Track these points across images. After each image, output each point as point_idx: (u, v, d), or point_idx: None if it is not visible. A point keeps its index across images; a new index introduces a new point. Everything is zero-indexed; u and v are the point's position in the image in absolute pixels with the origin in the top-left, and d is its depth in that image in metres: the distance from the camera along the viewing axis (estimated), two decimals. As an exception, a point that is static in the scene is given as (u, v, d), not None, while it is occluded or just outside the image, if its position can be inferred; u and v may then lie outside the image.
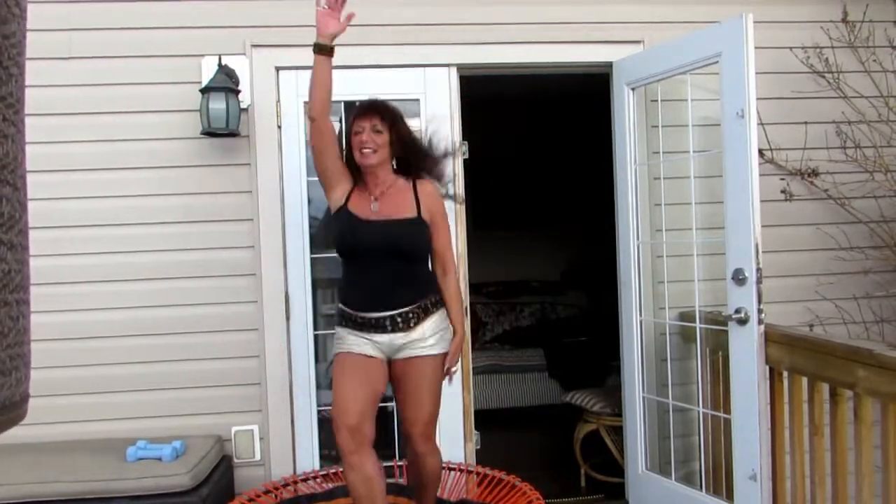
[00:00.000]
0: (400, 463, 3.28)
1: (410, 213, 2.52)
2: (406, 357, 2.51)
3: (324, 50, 2.41)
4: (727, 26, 2.81)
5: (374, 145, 2.47)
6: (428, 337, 2.51)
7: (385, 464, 3.22)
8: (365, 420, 2.43)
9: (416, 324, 2.50)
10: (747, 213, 2.74)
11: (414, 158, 2.59)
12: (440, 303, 2.59)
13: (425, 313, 2.52)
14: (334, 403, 2.47)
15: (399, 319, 2.47)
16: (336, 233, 2.56)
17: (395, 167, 2.58)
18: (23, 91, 0.40)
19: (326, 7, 2.40)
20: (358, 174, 2.57)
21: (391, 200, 2.52)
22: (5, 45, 0.39)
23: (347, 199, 2.54)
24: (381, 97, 3.18)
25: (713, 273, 3.05)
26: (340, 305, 2.57)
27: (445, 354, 2.58)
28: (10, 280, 0.39)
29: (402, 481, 3.15)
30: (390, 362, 2.54)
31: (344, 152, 2.60)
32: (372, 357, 2.49)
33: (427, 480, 2.66)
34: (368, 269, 2.49)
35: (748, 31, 2.73)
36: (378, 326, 2.48)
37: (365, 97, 3.18)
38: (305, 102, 3.27)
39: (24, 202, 0.41)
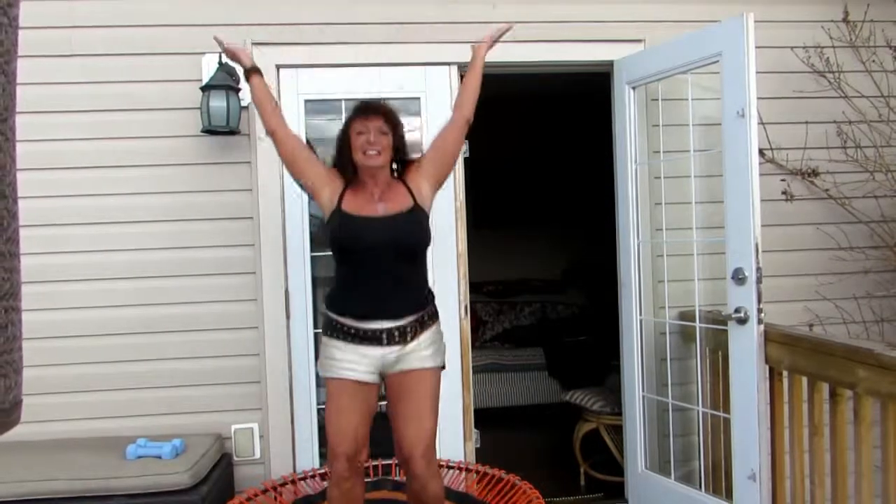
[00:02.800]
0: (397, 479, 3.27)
1: (408, 203, 2.45)
2: (403, 370, 2.40)
3: (256, 71, 2.57)
4: (728, 26, 2.81)
5: (380, 147, 2.40)
6: (424, 348, 2.42)
7: (385, 462, 3.24)
8: (362, 446, 2.41)
9: (413, 338, 2.40)
10: (747, 213, 2.74)
11: (403, 159, 2.53)
12: (435, 315, 2.51)
13: (422, 327, 2.43)
14: (330, 431, 2.39)
15: (396, 333, 2.38)
16: (336, 234, 2.43)
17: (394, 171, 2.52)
18: (12, 99, 0.40)
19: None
20: (348, 175, 2.48)
21: (392, 199, 2.46)
22: (-8, 55, 0.39)
23: (340, 199, 2.44)
24: (382, 96, 3.20)
25: (714, 272, 3.05)
26: (332, 315, 2.44)
27: (442, 368, 2.49)
28: (0, 287, 0.39)
29: (400, 479, 3.15)
30: (384, 379, 2.44)
31: (337, 153, 2.51)
32: (366, 383, 2.39)
33: None
34: (370, 271, 2.38)
35: (749, 30, 2.72)
36: (373, 339, 2.38)
37: (365, 95, 3.19)
38: (306, 100, 3.30)
39: (13, 210, 0.41)
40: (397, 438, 2.43)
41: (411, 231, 2.43)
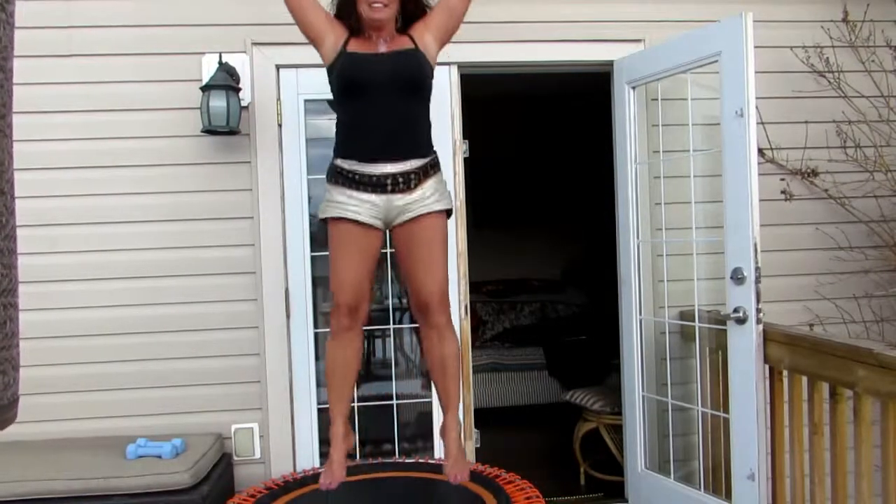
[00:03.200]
0: (399, 461, 3.28)
1: (410, 45, 2.41)
2: (410, 218, 2.37)
3: None
4: (727, 25, 2.81)
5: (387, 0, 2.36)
6: (429, 196, 2.39)
7: (385, 461, 3.24)
8: (363, 298, 2.41)
9: (416, 185, 2.37)
10: (746, 213, 2.74)
11: (409, 10, 2.47)
12: (438, 165, 2.47)
13: (425, 175, 2.39)
14: (333, 279, 2.39)
15: (400, 179, 2.34)
16: (339, 72, 2.37)
17: (398, 22, 2.46)
18: (10, 96, 0.40)
19: None
20: (353, 25, 2.42)
21: (395, 45, 2.41)
22: (-8, 51, 0.39)
23: (345, 45, 2.40)
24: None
25: (715, 272, 3.04)
26: (338, 161, 2.40)
27: (448, 212, 2.46)
28: (-1, 284, 0.39)
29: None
30: (391, 232, 2.43)
31: (340, 3, 2.45)
32: (369, 227, 2.37)
33: (451, 365, 2.49)
34: (373, 108, 2.35)
35: (748, 30, 2.72)
36: (377, 185, 2.33)
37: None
38: (306, 100, 3.30)
39: (10, 207, 0.41)
40: (413, 288, 2.43)
41: (411, 65, 2.39)
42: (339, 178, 2.39)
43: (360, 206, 2.36)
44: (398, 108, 2.36)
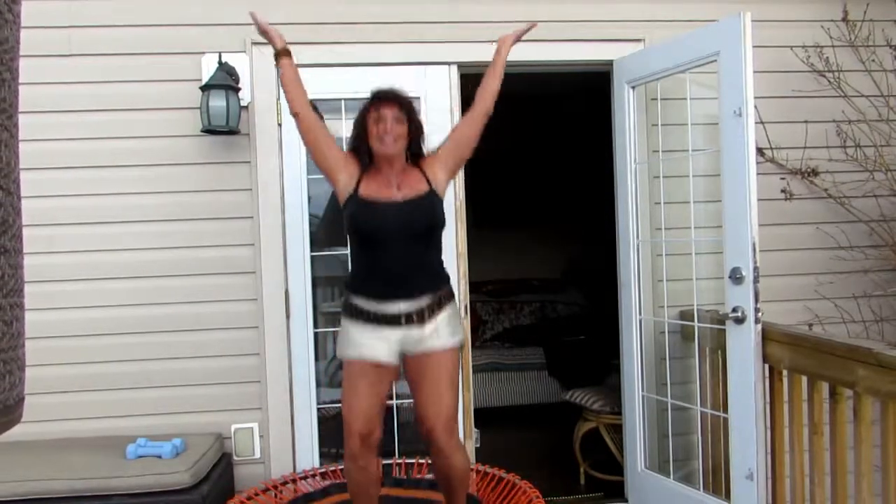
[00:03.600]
0: (399, 461, 3.28)
1: (424, 188, 2.51)
2: (423, 352, 2.47)
3: (286, 53, 2.60)
4: (725, 25, 2.81)
5: (397, 135, 2.46)
6: (442, 328, 2.48)
7: (385, 461, 3.24)
8: (376, 426, 2.48)
9: (430, 318, 2.47)
10: (744, 212, 2.74)
11: (418, 147, 2.58)
12: (451, 296, 2.57)
13: (439, 307, 2.49)
14: (346, 409, 2.47)
15: (414, 315, 2.44)
16: (354, 219, 2.48)
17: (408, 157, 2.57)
18: (16, 96, 0.40)
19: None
20: (365, 161, 2.53)
21: (408, 184, 2.51)
22: (-1, 51, 0.39)
23: (357, 184, 2.49)
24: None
25: (715, 272, 3.05)
26: (352, 298, 2.50)
27: (460, 348, 2.56)
28: (4, 284, 0.39)
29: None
30: (403, 360, 2.51)
31: (353, 138, 2.55)
32: (383, 365, 2.46)
33: (457, 482, 2.57)
34: (387, 255, 2.44)
35: (746, 29, 2.72)
36: (392, 321, 2.44)
37: (366, 95, 3.19)
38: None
39: (17, 206, 0.41)
40: (419, 415, 2.50)
41: (427, 214, 2.49)
42: (354, 313, 2.49)
43: (375, 343, 2.45)
44: (412, 252, 2.47)
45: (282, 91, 3.26)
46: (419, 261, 2.48)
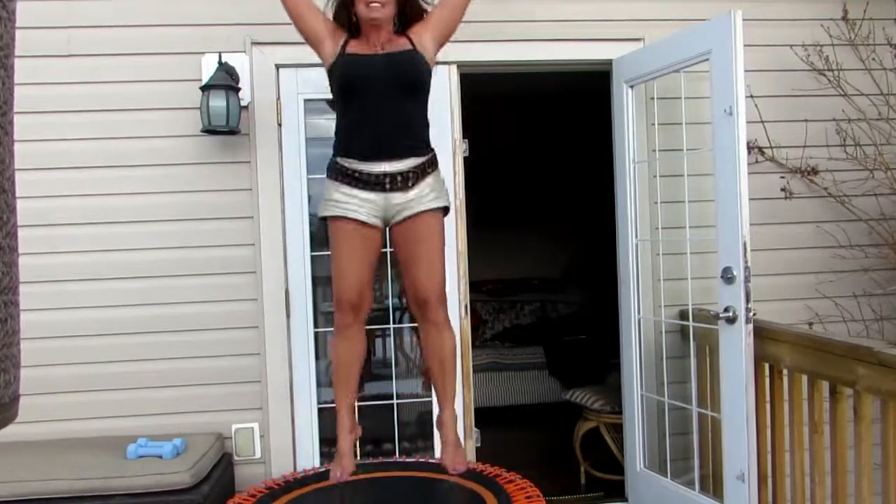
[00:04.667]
0: (399, 460, 3.27)
1: (408, 45, 2.44)
2: (408, 216, 2.41)
3: None
4: (717, 23, 2.80)
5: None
6: (426, 193, 2.43)
7: (385, 461, 3.24)
8: (365, 294, 2.46)
9: (414, 183, 2.41)
10: (735, 212, 2.73)
11: (408, 13, 2.50)
12: (436, 163, 2.51)
13: (423, 174, 2.43)
14: (335, 277, 2.45)
15: (398, 178, 2.38)
16: (340, 73, 2.42)
17: (395, 24, 2.49)
18: (11, 94, 0.40)
19: None
20: (350, 27, 2.46)
21: (392, 45, 2.44)
22: (-7, 48, 0.39)
23: (344, 47, 2.44)
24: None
25: (716, 271, 3.04)
26: (337, 159, 2.44)
27: (446, 209, 2.50)
28: (0, 282, 0.39)
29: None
30: (389, 230, 2.47)
31: (337, 4, 2.47)
32: (368, 225, 2.41)
33: (448, 358, 2.53)
34: (371, 108, 2.39)
35: (737, 27, 2.71)
36: (376, 184, 2.38)
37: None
38: (306, 100, 3.30)
39: (12, 204, 0.41)
40: (411, 284, 2.47)
41: (410, 67, 2.41)
42: (338, 174, 2.43)
43: (360, 204, 2.40)
44: (394, 108, 2.40)
45: (281, 90, 3.27)
46: (403, 120, 2.42)
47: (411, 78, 2.42)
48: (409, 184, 2.41)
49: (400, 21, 2.49)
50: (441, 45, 2.54)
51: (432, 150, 2.51)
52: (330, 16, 2.49)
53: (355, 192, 2.40)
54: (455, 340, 2.57)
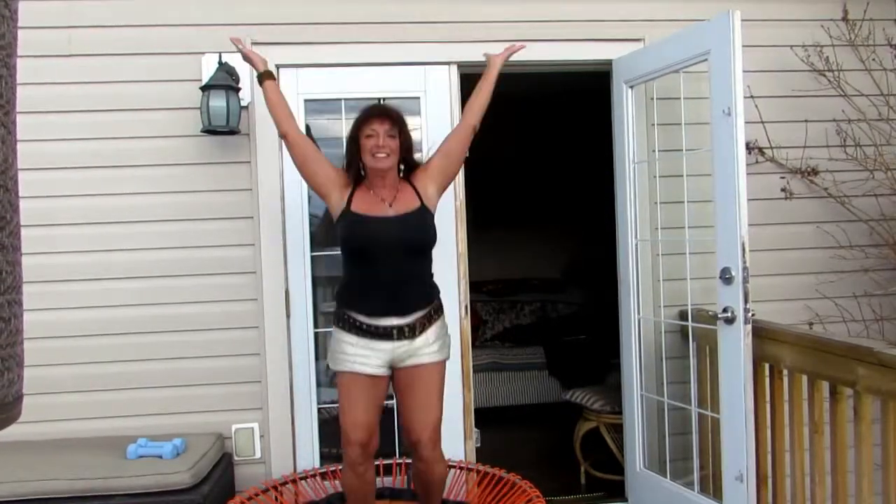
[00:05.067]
0: (399, 461, 3.28)
1: (416, 204, 2.57)
2: (412, 365, 2.53)
3: (270, 76, 2.70)
4: (715, 24, 2.80)
5: (389, 150, 2.50)
6: (432, 343, 2.55)
7: (386, 461, 3.25)
8: (373, 435, 2.56)
9: (421, 332, 2.53)
10: (734, 212, 2.73)
11: (410, 160, 2.64)
12: (441, 309, 2.64)
13: (429, 322, 2.56)
14: (344, 420, 2.53)
15: (406, 329, 2.50)
16: (346, 235, 2.54)
17: (401, 171, 2.62)
18: (13, 93, 0.40)
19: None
20: (357, 176, 2.59)
21: (400, 200, 2.56)
22: (-5, 48, 0.39)
23: (350, 200, 2.55)
24: (382, 95, 3.20)
25: (715, 271, 3.04)
26: (344, 311, 2.55)
27: (446, 360, 2.62)
28: (2, 281, 0.39)
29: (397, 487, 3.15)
30: (393, 371, 2.57)
31: (346, 155, 2.61)
32: (376, 376, 2.52)
33: (435, 489, 2.69)
34: (380, 270, 2.49)
35: (735, 27, 2.70)
36: (383, 335, 2.50)
37: (365, 95, 3.20)
38: (306, 100, 3.30)
39: (15, 203, 0.41)
40: (406, 425, 2.60)
41: (419, 230, 2.54)
42: (345, 325, 2.54)
43: (368, 357, 2.50)
44: (404, 268, 2.51)
45: (282, 91, 3.27)
46: (411, 276, 2.54)
47: (423, 242, 2.56)
48: (416, 333, 2.52)
49: (403, 165, 2.61)
50: (443, 190, 2.70)
51: (437, 293, 2.63)
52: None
53: (363, 341, 2.51)
54: (446, 472, 2.75)
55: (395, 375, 2.58)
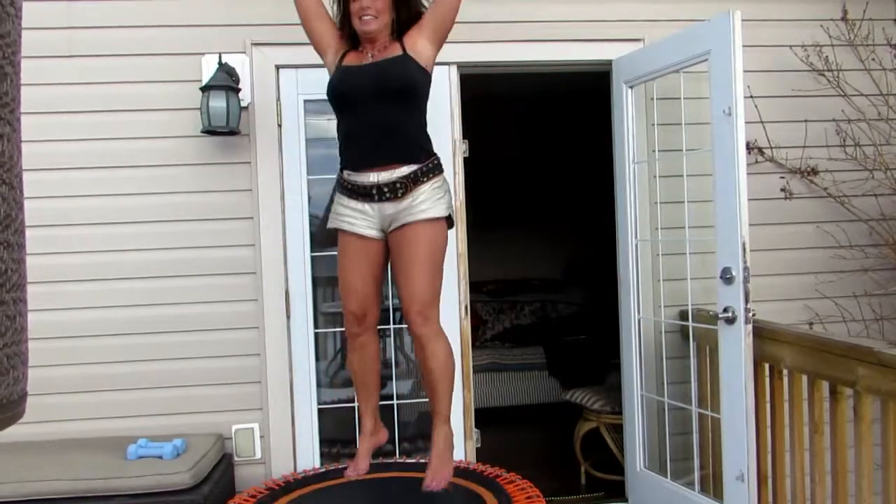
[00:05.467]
0: (399, 461, 3.27)
1: (398, 52, 2.43)
2: (398, 226, 2.38)
3: None
4: (715, 24, 2.80)
5: (375, 11, 2.38)
6: (419, 203, 2.37)
7: (386, 461, 3.24)
8: (369, 305, 2.50)
9: (405, 193, 2.37)
10: (734, 212, 2.73)
11: (407, 11, 2.49)
12: (433, 171, 2.43)
13: (415, 182, 2.38)
14: (340, 288, 2.51)
15: (385, 189, 2.36)
16: (328, 87, 2.48)
17: (392, 30, 2.49)
18: (18, 90, 0.40)
19: None
20: (355, 39, 2.49)
21: (385, 53, 2.45)
22: (0, 45, 0.39)
23: (342, 59, 2.49)
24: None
25: (716, 272, 3.04)
26: (340, 171, 2.50)
27: (444, 219, 2.43)
28: (7, 279, 0.39)
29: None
30: (387, 237, 2.46)
31: (338, 18, 2.52)
32: (368, 238, 2.44)
33: (436, 375, 2.42)
34: (359, 118, 2.40)
35: (735, 27, 2.71)
36: (366, 194, 2.40)
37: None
38: (306, 100, 3.30)
39: (20, 201, 0.41)
40: (398, 296, 2.47)
41: (397, 72, 2.39)
42: (340, 185, 2.50)
43: (354, 216, 2.44)
44: (381, 116, 2.38)
45: (281, 91, 3.28)
46: (390, 126, 2.38)
47: (398, 84, 2.39)
48: (400, 193, 2.37)
49: (398, 27, 2.49)
50: (439, 44, 2.50)
51: (432, 156, 2.46)
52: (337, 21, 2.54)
53: (352, 202, 2.45)
54: (444, 354, 2.44)
55: (388, 242, 2.44)
